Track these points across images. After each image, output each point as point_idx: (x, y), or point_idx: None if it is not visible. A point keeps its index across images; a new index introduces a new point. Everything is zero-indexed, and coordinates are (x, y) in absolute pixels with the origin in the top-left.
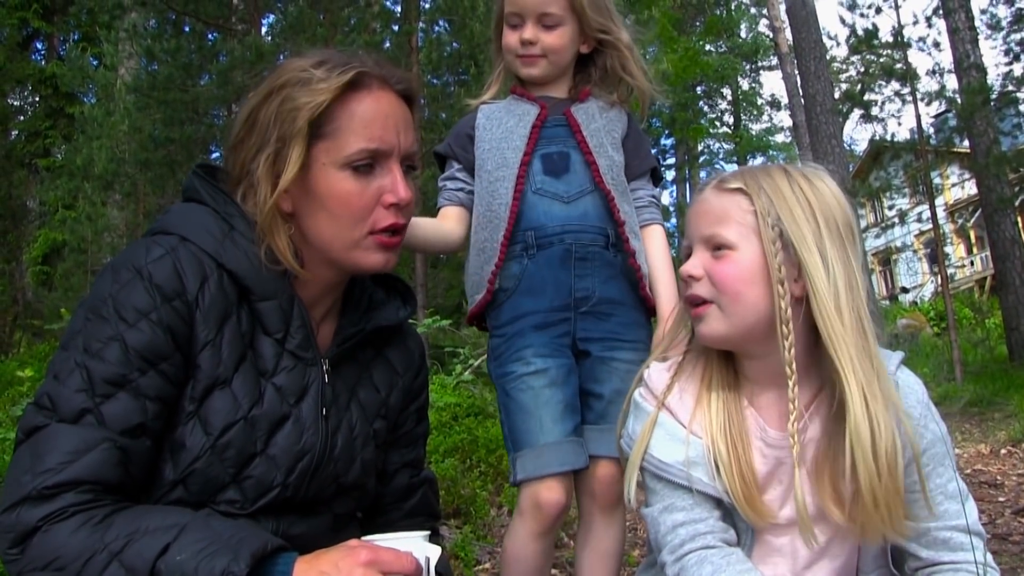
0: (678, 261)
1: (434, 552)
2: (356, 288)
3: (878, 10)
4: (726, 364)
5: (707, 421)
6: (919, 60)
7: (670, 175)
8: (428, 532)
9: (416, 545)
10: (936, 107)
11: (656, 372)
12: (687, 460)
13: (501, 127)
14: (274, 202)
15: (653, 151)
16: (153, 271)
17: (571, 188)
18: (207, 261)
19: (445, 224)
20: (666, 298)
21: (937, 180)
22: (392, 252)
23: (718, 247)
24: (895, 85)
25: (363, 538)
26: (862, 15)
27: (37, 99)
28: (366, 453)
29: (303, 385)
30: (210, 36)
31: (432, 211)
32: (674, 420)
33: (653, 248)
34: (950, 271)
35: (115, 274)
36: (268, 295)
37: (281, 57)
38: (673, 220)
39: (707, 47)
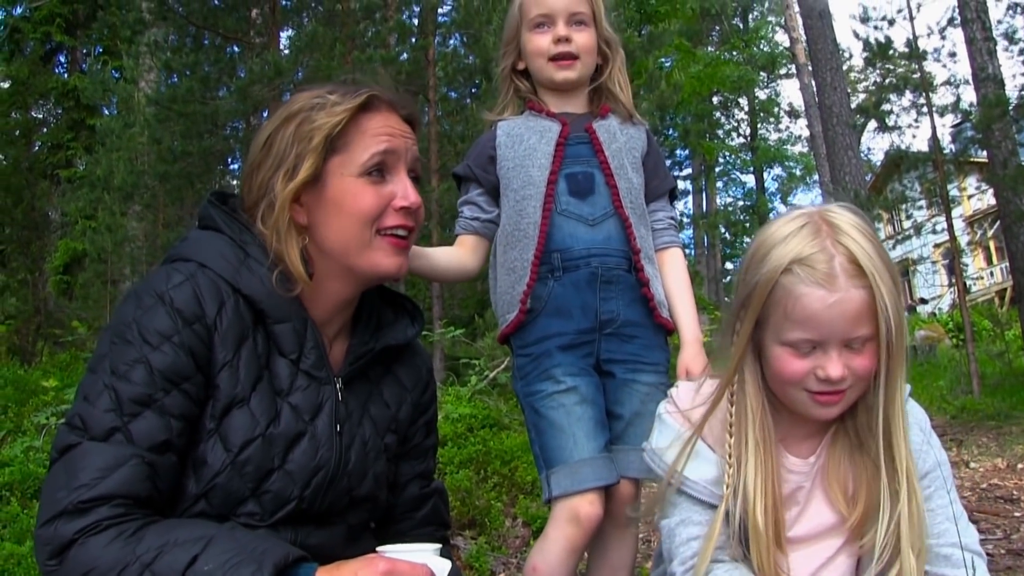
0: (696, 273)
1: (444, 566)
2: (365, 309)
3: (891, 22)
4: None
5: (739, 448)
6: (935, 71)
7: (686, 186)
8: (439, 545)
9: (428, 559)
10: (952, 118)
11: (684, 391)
12: (714, 479)
13: (523, 144)
14: (288, 204)
15: (667, 161)
16: (174, 296)
17: (596, 211)
18: (224, 286)
19: (462, 254)
20: (686, 321)
21: (955, 192)
22: (403, 256)
23: (856, 342)
24: (911, 96)
25: (377, 549)
26: (876, 27)
27: (60, 111)
28: (378, 466)
29: (317, 403)
30: (229, 50)
31: (446, 222)
32: (702, 441)
33: (673, 271)
34: (968, 283)
35: (138, 300)
36: (282, 318)
37: (300, 72)
38: (689, 232)
39: (723, 56)
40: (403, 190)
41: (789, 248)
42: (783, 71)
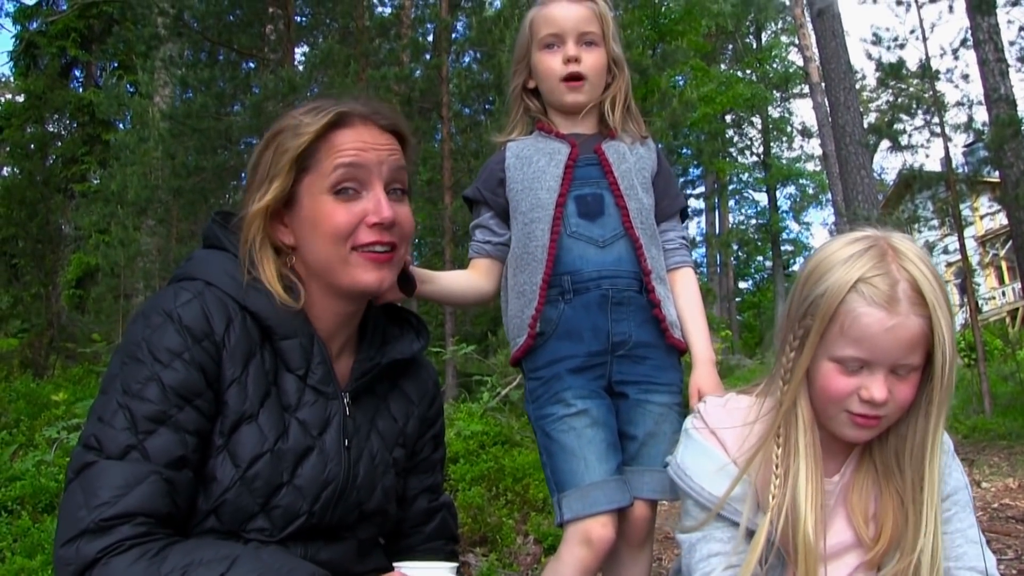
0: (708, 291)
1: None
2: (370, 324)
3: (902, 45)
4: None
5: (787, 460)
6: (947, 91)
7: (698, 204)
8: (456, 564)
9: None
10: (965, 138)
11: (712, 406)
12: (737, 496)
13: (532, 166)
14: (258, 223)
15: (680, 180)
16: (183, 314)
17: (605, 232)
18: (231, 304)
19: (475, 278)
20: (698, 341)
21: (967, 212)
22: (384, 270)
23: (903, 369)
24: (923, 116)
25: (395, 564)
26: (888, 48)
27: (74, 126)
28: (386, 480)
29: (325, 418)
30: (243, 66)
31: (459, 239)
32: (728, 457)
33: (685, 291)
34: (980, 302)
35: (147, 319)
36: (289, 334)
37: (314, 88)
38: (701, 251)
39: (737, 73)
40: (375, 206)
41: (856, 267)
42: (796, 90)
